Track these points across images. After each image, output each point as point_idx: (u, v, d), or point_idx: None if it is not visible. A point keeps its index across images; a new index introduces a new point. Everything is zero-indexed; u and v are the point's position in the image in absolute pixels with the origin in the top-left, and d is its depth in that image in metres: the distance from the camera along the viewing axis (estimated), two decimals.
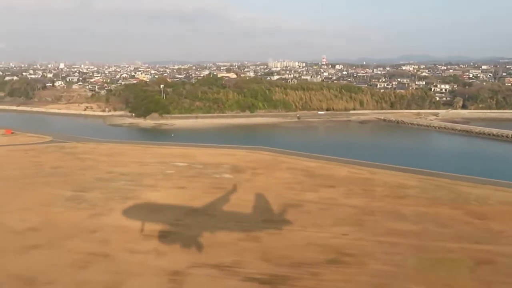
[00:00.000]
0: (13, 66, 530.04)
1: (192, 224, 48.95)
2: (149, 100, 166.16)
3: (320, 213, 53.49)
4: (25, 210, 52.76)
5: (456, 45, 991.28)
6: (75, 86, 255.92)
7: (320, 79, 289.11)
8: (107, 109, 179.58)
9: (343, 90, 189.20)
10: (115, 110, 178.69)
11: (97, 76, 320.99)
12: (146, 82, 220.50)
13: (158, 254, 41.34)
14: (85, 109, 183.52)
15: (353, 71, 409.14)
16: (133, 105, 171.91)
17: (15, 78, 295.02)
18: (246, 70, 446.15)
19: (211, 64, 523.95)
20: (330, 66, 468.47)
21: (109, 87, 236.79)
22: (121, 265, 38.82)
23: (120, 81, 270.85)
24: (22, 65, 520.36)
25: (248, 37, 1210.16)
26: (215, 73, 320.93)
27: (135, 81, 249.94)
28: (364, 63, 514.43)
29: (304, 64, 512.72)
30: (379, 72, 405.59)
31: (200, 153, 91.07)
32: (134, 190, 62.31)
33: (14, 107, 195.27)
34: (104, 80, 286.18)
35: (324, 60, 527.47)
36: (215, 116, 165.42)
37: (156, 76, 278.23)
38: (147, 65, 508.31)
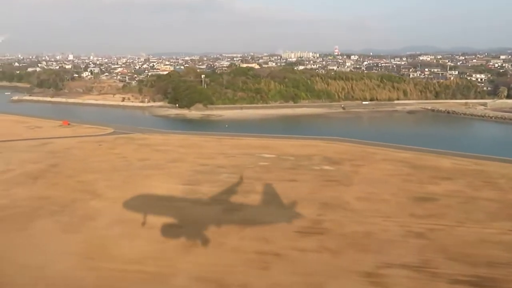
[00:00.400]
0: (21, 57, 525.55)
1: (339, 220, 45.60)
2: (191, 90, 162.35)
3: (464, 207, 49.84)
4: (153, 205, 49.46)
5: (460, 36, 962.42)
6: (102, 77, 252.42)
7: (349, 69, 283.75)
8: (146, 99, 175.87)
9: (384, 80, 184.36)
10: (154, 101, 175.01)
11: (118, 67, 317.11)
12: (179, 73, 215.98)
13: (331, 252, 38.08)
14: (123, 100, 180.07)
15: (371, 61, 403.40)
16: (173, 95, 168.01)
17: (38, 69, 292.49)
18: (261, 61, 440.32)
19: (217, 55, 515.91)
20: (345, 56, 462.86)
21: (138, 78, 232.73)
22: (302, 266, 35.60)
23: (146, 72, 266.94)
24: (30, 57, 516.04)
25: (251, 28, 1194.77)
26: (235, 64, 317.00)
27: (162, 72, 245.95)
28: (371, 53, 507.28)
29: (318, 55, 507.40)
30: (398, 62, 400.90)
31: (279, 144, 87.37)
32: (244, 183, 58.91)
33: (49, 98, 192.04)
34: (129, 71, 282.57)
35: (337, 50, 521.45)
36: (259, 107, 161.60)
37: (182, 67, 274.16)
38: (157, 57, 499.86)
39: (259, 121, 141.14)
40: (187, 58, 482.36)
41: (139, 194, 53.48)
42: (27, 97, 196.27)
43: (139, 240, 40.32)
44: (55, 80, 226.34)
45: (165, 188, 55.81)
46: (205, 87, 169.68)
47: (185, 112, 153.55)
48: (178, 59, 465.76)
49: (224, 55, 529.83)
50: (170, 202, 50.56)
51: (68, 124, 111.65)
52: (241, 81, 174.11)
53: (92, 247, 38.93)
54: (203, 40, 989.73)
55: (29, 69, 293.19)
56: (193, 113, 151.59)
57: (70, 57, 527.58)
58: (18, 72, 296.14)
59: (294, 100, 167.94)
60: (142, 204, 49.76)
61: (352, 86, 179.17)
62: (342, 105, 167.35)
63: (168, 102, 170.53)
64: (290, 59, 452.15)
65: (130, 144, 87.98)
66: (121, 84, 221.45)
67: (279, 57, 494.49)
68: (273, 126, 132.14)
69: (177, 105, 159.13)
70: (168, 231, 42.27)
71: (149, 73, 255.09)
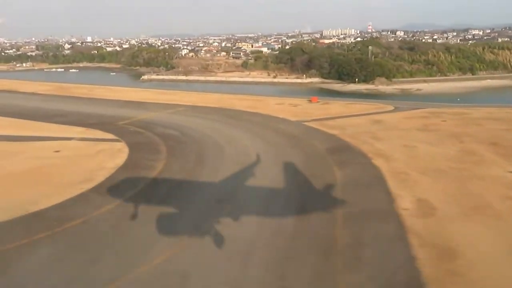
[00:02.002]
0: (36, 40, 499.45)
1: None
2: (366, 64, 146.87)
3: None
4: None
5: (459, 12, 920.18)
6: (206, 55, 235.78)
7: (454, 42, 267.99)
8: (304, 76, 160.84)
9: None
10: (309, 76, 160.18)
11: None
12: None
13: None
14: (274, 77, 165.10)
15: (417, 37, 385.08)
16: (336, 70, 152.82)
17: (117, 48, 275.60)
18: (305, 38, 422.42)
19: (230, 36, 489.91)
20: (389, 32, 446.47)
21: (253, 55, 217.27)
22: None
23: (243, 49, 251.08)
24: (42, 40, 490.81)
25: (241, 10, 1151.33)
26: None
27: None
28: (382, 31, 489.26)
29: (358, 31, 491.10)
30: (451, 34, 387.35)
31: None
32: None
33: (183, 77, 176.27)
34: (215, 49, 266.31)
35: (370, 27, 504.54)
36: (441, 80, 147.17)
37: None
38: (182, 38, 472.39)
39: (468, 95, 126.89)
40: (215, 38, 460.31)
41: None
42: (155, 76, 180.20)
43: None
44: (164, 58, 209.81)
45: None
46: (372, 60, 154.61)
47: (371, 86, 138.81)
48: (207, 38, 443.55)
49: (237, 35, 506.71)
50: None
51: (318, 101, 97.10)
52: (407, 54, 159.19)
53: None
54: (200, 22, 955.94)
55: (108, 49, 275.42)
56: (385, 87, 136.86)
57: (89, 38, 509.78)
58: (95, 52, 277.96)
59: (472, 72, 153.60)
60: None
61: None
62: None
63: (324, 77, 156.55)
64: (335, 36, 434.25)
65: (485, 120, 73.02)
66: (238, 61, 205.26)
67: (320, 34, 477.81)
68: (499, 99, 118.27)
69: (356, 80, 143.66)
70: None
71: (249, 51, 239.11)
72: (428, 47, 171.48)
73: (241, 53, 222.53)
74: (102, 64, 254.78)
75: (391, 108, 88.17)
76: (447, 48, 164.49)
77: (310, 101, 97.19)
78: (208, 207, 33.46)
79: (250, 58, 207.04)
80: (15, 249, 25.95)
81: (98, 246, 26.86)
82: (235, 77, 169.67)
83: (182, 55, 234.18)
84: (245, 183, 39.83)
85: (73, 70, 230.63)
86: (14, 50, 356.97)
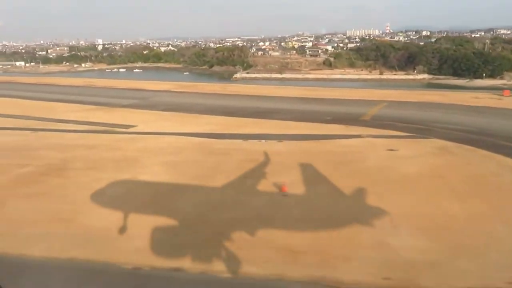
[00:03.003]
0: (42, 42, 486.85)
1: None
2: (491, 59, 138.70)
3: None
4: None
5: (454, 15, 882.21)
6: (275, 53, 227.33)
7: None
8: (415, 71, 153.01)
9: None
10: (419, 73, 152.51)
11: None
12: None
13: None
14: (381, 74, 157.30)
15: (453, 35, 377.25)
16: (450, 65, 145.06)
17: (171, 48, 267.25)
18: (326, 40, 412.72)
19: (237, 38, 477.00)
20: (414, 32, 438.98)
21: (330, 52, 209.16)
22: None
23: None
24: (48, 43, 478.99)
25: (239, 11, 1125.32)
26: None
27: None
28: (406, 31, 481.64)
29: (381, 32, 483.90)
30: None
31: None
32: None
33: (277, 75, 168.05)
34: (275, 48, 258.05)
35: (388, 28, 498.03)
36: None
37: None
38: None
39: None
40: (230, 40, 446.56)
41: None
42: (246, 75, 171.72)
43: None
44: (240, 57, 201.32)
45: None
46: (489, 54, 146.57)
47: (503, 81, 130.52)
48: (224, 40, 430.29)
49: (242, 38, 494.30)
50: None
51: (510, 95, 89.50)
52: None
53: None
54: (197, 25, 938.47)
55: (163, 49, 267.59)
56: None
57: (99, 41, 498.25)
58: (145, 52, 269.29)
59: None
60: None
61: None
62: None
63: (433, 73, 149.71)
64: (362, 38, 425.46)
65: None
66: (319, 59, 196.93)
67: (344, 36, 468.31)
68: None
69: (483, 75, 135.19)
70: None
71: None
72: None
73: (319, 51, 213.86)
74: (160, 64, 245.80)
75: None
76: None
77: (502, 94, 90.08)
78: None
79: (332, 56, 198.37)
80: None
81: None
82: (336, 74, 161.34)
83: (252, 53, 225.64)
84: None
85: (137, 70, 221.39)
86: (44, 52, 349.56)
